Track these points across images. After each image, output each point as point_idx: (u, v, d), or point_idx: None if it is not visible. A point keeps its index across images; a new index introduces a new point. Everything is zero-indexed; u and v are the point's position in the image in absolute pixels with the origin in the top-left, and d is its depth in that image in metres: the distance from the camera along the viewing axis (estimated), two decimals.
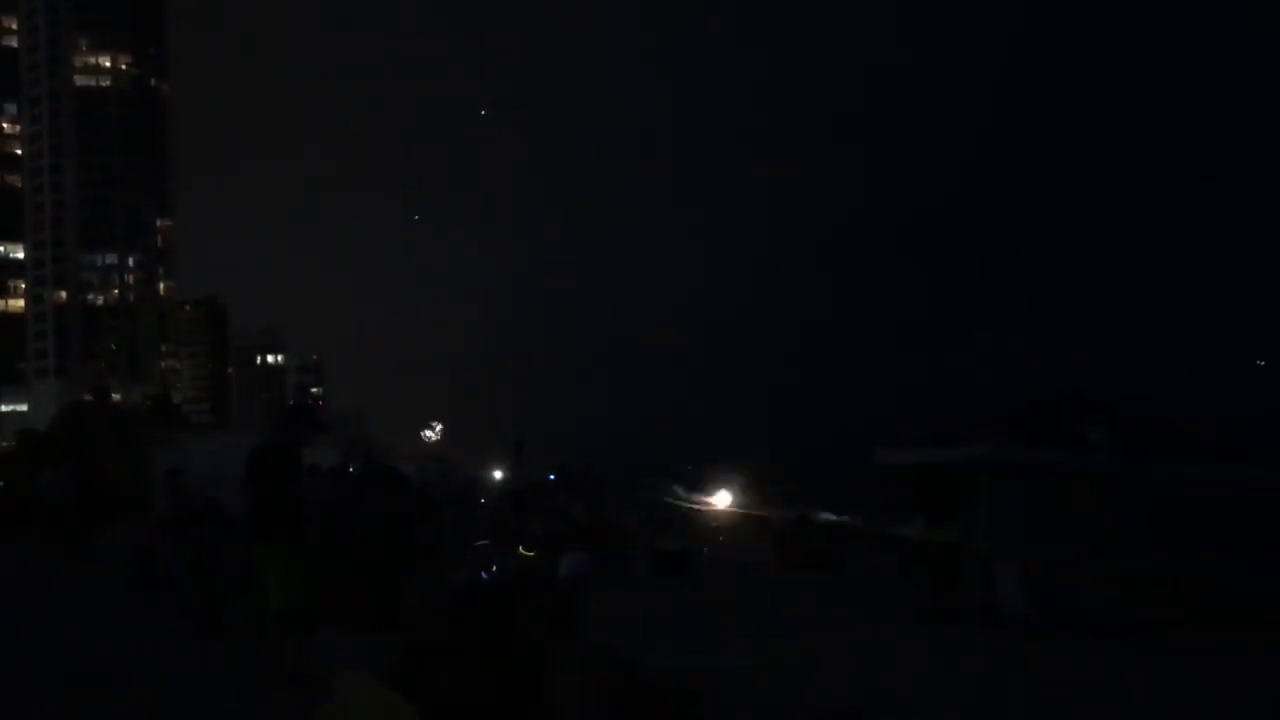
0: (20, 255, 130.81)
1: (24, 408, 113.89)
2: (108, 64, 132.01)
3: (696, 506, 41.24)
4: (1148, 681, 9.29)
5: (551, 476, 29.22)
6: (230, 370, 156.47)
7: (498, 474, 29.09)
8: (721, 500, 42.98)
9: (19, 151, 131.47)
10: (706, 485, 46.90)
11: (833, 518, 21.28)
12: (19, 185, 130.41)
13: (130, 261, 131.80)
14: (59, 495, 17.53)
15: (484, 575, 11.96)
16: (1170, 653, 11.06)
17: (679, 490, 47.88)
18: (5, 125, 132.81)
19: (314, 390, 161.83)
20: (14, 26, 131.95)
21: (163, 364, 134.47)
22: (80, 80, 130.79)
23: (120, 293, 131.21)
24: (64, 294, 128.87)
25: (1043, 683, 9.16)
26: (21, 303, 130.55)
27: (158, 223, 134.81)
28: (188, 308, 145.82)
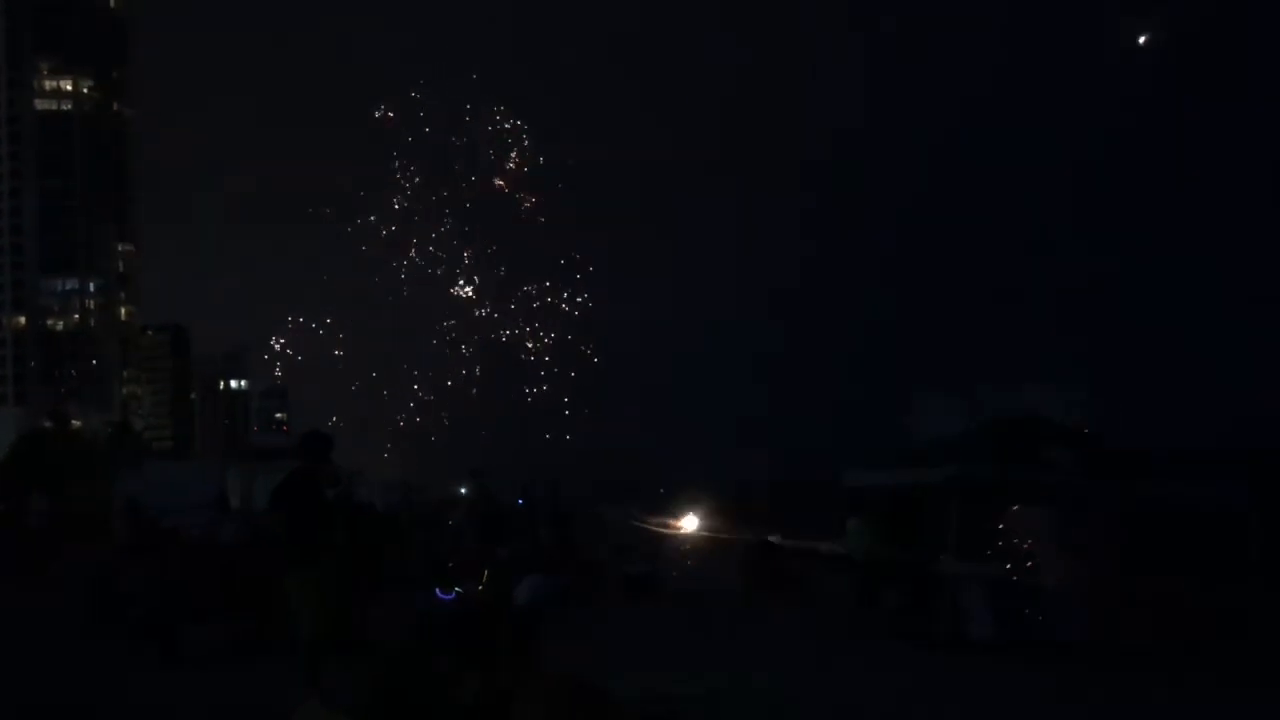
0: None
1: None
2: (69, 87, 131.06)
3: (664, 530, 41.13)
4: (1116, 705, 9.31)
5: (519, 501, 29.00)
6: (193, 396, 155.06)
7: (464, 490, 28.85)
8: (689, 524, 42.85)
9: None
10: (674, 508, 46.81)
11: (800, 541, 21.27)
12: None
13: (91, 286, 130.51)
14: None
15: (448, 602, 11.85)
16: (1137, 673, 11.11)
17: (647, 513, 47.70)
18: None
19: (278, 415, 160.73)
20: None
21: (124, 390, 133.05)
22: (41, 104, 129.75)
23: (80, 318, 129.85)
24: (23, 319, 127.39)
25: (1011, 707, 9.16)
26: None
27: (119, 248, 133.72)
28: (149, 333, 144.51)
